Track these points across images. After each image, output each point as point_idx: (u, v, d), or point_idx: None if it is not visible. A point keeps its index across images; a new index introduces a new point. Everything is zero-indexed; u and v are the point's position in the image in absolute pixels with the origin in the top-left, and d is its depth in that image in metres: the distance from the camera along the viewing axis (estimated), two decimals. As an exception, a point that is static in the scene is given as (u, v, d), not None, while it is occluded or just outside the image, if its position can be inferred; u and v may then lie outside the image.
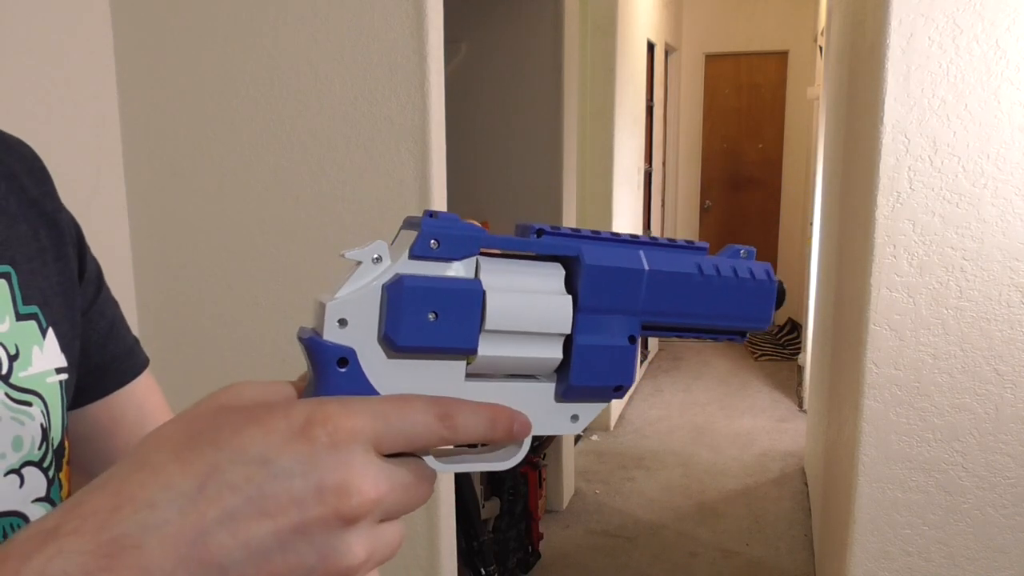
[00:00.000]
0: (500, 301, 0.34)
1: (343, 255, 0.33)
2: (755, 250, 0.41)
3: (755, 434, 4.27)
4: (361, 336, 0.33)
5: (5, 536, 0.47)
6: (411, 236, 0.34)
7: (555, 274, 0.36)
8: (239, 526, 0.29)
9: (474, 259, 0.35)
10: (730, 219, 6.82)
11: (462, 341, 0.34)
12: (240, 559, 0.29)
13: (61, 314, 0.54)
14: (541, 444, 3.16)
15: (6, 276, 0.50)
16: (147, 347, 0.67)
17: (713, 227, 6.86)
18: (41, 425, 0.50)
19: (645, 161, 5.09)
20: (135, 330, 0.67)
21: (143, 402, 0.64)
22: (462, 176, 2.68)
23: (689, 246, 0.39)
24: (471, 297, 0.34)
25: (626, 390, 0.38)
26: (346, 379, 0.33)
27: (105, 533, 0.28)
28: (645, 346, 5.43)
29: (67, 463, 0.54)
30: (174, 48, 1.72)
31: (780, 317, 6.63)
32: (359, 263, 0.33)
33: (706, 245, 0.40)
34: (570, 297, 0.36)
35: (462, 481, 2.36)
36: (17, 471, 0.48)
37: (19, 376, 0.49)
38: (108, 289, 0.63)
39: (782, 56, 6.46)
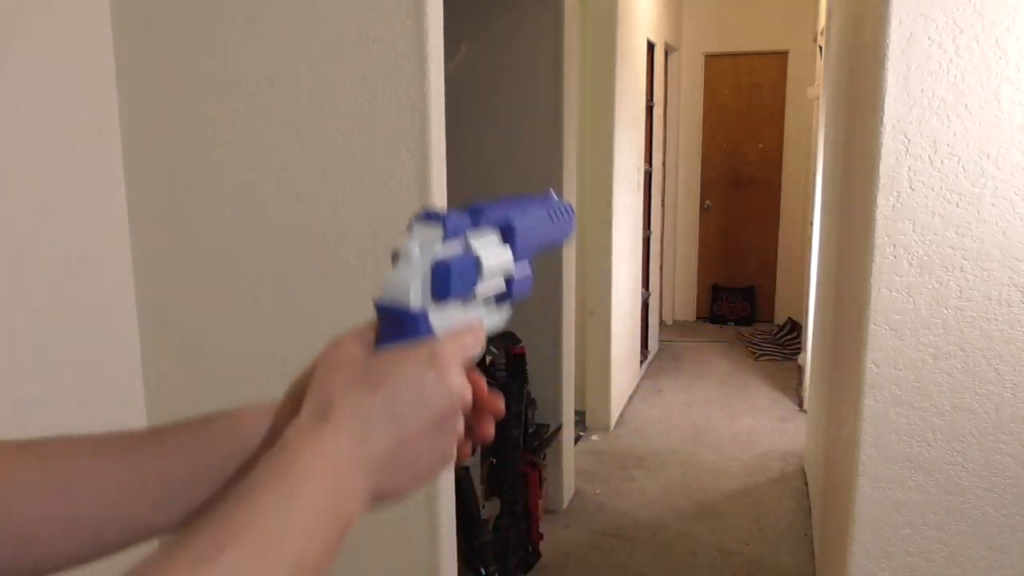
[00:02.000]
0: (486, 262, 0.55)
1: (395, 252, 0.52)
2: (554, 193, 0.65)
3: (755, 434, 4.27)
4: (424, 298, 0.53)
5: None
6: (431, 228, 0.53)
7: (497, 237, 0.58)
8: (417, 414, 0.49)
9: (464, 237, 0.55)
10: (730, 219, 6.81)
11: (471, 288, 0.55)
12: (421, 428, 0.49)
13: None
14: (541, 444, 3.16)
15: None
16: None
17: (713, 227, 6.86)
18: None
19: (645, 161, 5.09)
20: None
21: None
22: (462, 176, 2.68)
23: (544, 198, 0.64)
24: (475, 265, 0.54)
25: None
26: (425, 326, 0.52)
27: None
28: (645, 346, 5.44)
29: None
30: (174, 49, 1.72)
31: (780, 317, 6.64)
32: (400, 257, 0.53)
33: (551, 195, 0.65)
34: (509, 248, 0.58)
35: (462, 481, 2.36)
36: None
37: None
38: None
39: (782, 56, 6.46)
